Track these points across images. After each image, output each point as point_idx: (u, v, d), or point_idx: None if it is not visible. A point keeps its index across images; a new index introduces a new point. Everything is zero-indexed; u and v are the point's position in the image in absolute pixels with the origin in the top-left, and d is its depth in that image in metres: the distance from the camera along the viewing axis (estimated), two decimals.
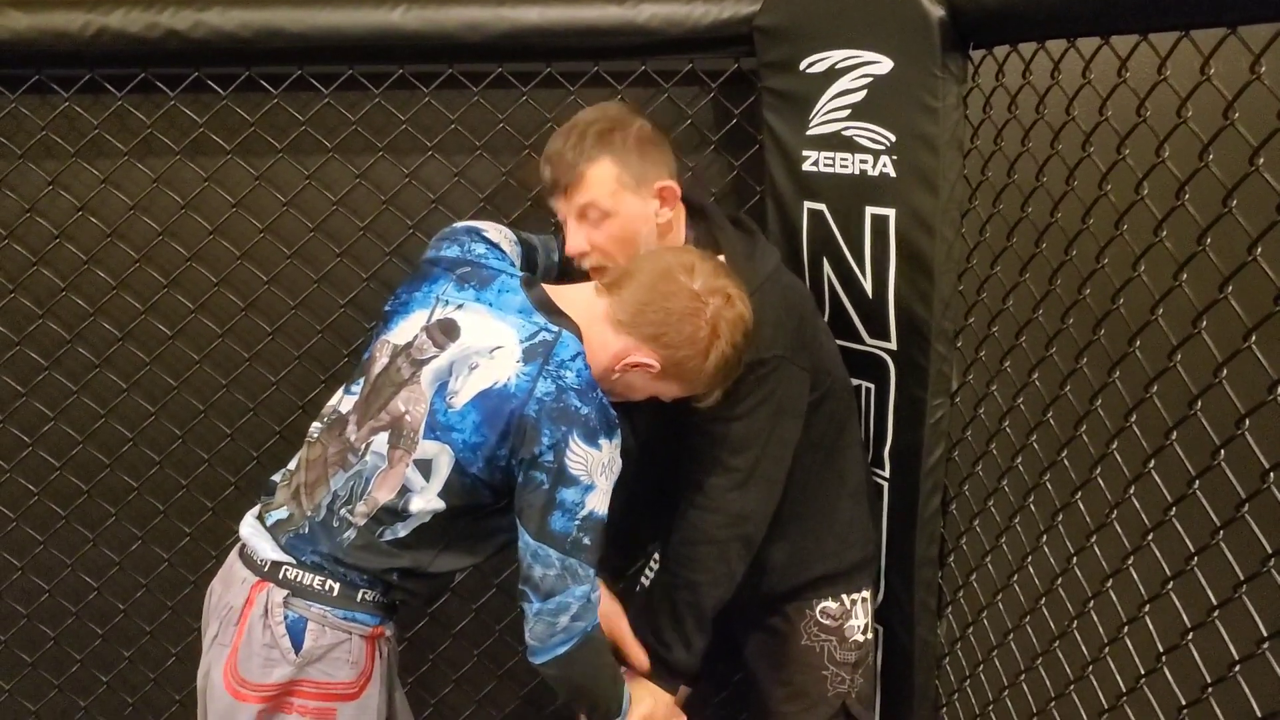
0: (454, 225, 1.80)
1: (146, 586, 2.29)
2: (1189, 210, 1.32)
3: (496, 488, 1.55)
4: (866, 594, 1.91)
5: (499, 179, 2.14)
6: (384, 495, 1.54)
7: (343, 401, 1.66)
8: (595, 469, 1.50)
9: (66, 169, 2.06)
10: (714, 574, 1.74)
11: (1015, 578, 1.87)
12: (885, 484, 1.93)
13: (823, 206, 1.91)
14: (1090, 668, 1.67)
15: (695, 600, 1.75)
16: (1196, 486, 1.39)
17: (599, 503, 1.53)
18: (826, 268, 1.94)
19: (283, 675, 1.53)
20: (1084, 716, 1.70)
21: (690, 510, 1.74)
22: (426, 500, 1.53)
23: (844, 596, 1.88)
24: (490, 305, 1.58)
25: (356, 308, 2.18)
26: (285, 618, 1.53)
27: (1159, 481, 1.48)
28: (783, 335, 1.68)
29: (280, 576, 1.56)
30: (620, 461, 1.55)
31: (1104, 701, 1.64)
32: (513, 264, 1.72)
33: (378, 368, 1.62)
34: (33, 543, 2.25)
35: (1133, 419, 1.52)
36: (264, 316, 2.17)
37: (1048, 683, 1.80)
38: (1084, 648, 1.69)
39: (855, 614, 1.88)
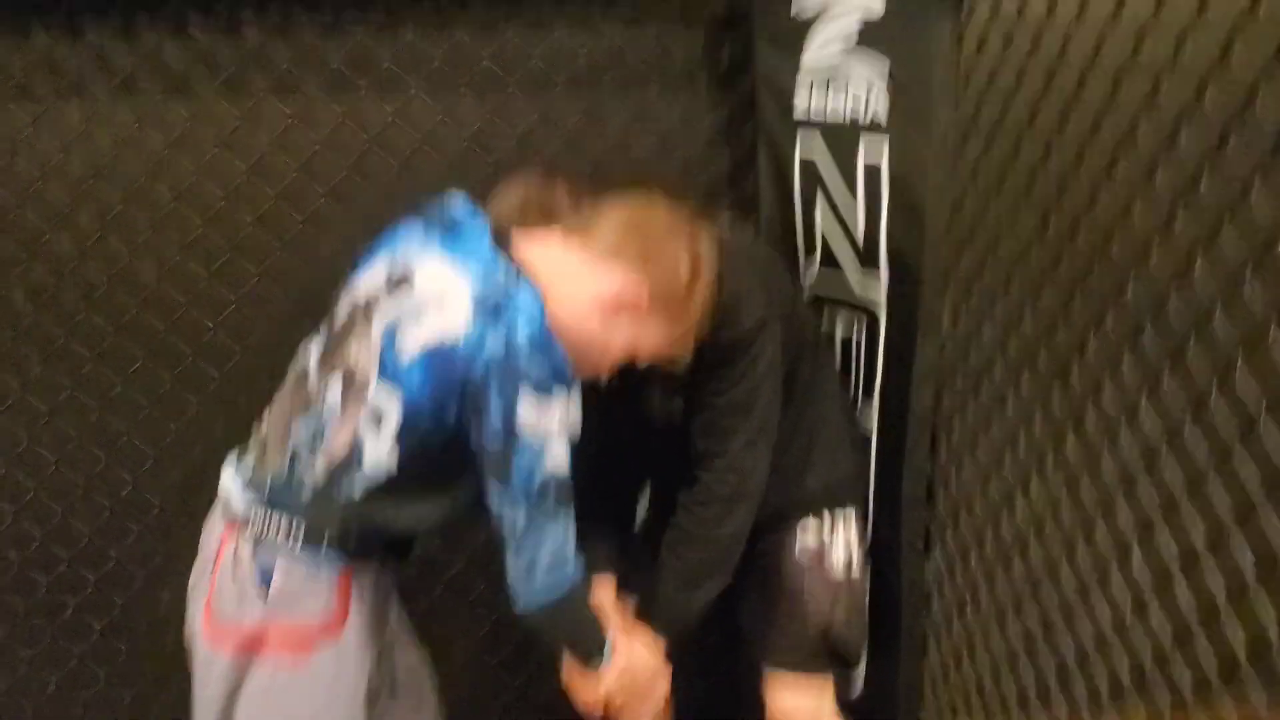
0: None
1: (137, 533, 2.28)
2: (1180, 151, 1.31)
3: (449, 441, 1.51)
4: (850, 520, 1.92)
5: (486, 117, 2.12)
6: (339, 446, 1.51)
7: (311, 350, 1.64)
8: (548, 428, 1.46)
9: (46, 111, 2.03)
10: (734, 527, 1.77)
11: (1004, 517, 1.89)
12: (874, 426, 1.94)
13: (815, 148, 1.90)
14: (1072, 615, 1.69)
15: (710, 557, 1.77)
16: (1188, 425, 1.40)
17: (556, 460, 1.49)
18: (818, 210, 1.93)
19: (254, 617, 1.53)
20: (1072, 653, 1.72)
21: (704, 473, 1.75)
22: (378, 454, 1.50)
23: (825, 517, 1.90)
24: (450, 253, 1.52)
25: (346, 248, 2.14)
26: (254, 560, 1.54)
27: (1151, 420, 1.48)
28: (760, 296, 1.68)
29: (248, 526, 1.56)
30: (579, 416, 1.51)
31: (1092, 640, 1.67)
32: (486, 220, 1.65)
33: (340, 316, 1.60)
34: (25, 490, 2.24)
35: (1122, 365, 1.53)
36: (251, 258, 2.15)
37: (1036, 621, 1.83)
38: (1073, 585, 1.71)
39: (837, 536, 1.90)
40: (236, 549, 1.55)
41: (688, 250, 1.53)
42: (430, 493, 1.59)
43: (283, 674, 1.55)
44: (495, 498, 1.52)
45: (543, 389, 1.44)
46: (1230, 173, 1.25)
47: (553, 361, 1.45)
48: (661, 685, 1.84)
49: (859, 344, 1.93)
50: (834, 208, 1.88)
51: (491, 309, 1.44)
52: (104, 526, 2.30)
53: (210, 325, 2.18)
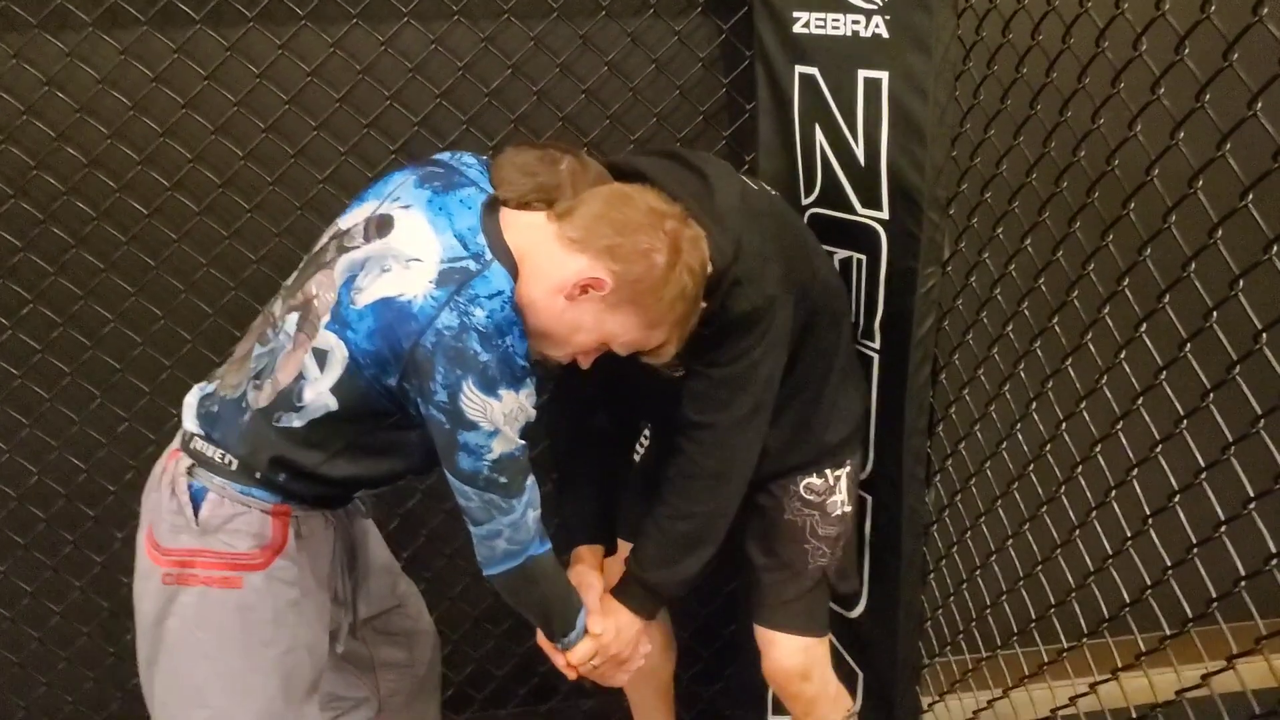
0: None
1: (135, 468, 2.28)
2: (1189, 65, 1.28)
3: (393, 400, 1.49)
4: (850, 468, 1.91)
5: (479, 45, 2.07)
6: (284, 378, 1.50)
7: (290, 278, 1.63)
8: (496, 416, 1.44)
9: (29, 42, 1.99)
10: (717, 503, 1.74)
11: (1004, 445, 1.88)
12: (875, 355, 1.92)
13: (814, 70, 1.86)
14: (1077, 532, 1.69)
15: (693, 530, 1.74)
16: (1188, 349, 1.38)
17: (506, 445, 1.48)
18: (818, 134, 1.89)
19: (187, 542, 1.53)
20: (1071, 581, 1.73)
21: (691, 445, 1.71)
22: (318, 393, 1.48)
23: (828, 472, 1.88)
24: (436, 213, 1.48)
25: (335, 183, 2.13)
26: (189, 487, 1.54)
27: (1150, 346, 1.47)
28: (772, 270, 1.62)
29: (190, 447, 1.56)
30: (531, 411, 1.49)
31: (1090, 565, 1.67)
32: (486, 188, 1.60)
33: (316, 247, 1.59)
34: (20, 426, 2.24)
35: (1125, 283, 1.51)
36: (241, 193, 2.13)
37: (1035, 548, 1.83)
38: (1071, 513, 1.71)
39: (838, 489, 1.89)
40: (175, 471, 1.55)
41: (666, 247, 1.48)
42: (369, 452, 1.57)
43: (210, 601, 1.54)
44: (449, 477, 1.52)
45: (488, 386, 1.42)
46: (1232, 91, 1.22)
47: (505, 354, 1.42)
48: (639, 653, 1.84)
49: (859, 272, 1.90)
50: (833, 125, 1.84)
51: (456, 281, 1.41)
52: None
53: (203, 261, 2.16)
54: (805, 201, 1.99)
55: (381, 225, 1.49)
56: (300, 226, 2.14)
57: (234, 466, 1.53)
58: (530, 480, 1.55)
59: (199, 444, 1.55)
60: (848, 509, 1.91)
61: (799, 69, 1.90)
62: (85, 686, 2.46)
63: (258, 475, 1.53)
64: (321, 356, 1.47)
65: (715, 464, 1.71)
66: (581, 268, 1.48)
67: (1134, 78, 1.42)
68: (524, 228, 1.51)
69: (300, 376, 1.48)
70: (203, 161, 2.09)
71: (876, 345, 1.91)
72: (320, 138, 2.10)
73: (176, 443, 1.61)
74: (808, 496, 1.88)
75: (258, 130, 2.08)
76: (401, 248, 1.45)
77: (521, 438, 1.50)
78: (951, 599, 2.12)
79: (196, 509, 1.52)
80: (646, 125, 2.17)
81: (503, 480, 1.50)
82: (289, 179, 2.12)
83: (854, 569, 2.02)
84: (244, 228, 2.15)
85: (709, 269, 1.55)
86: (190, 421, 1.59)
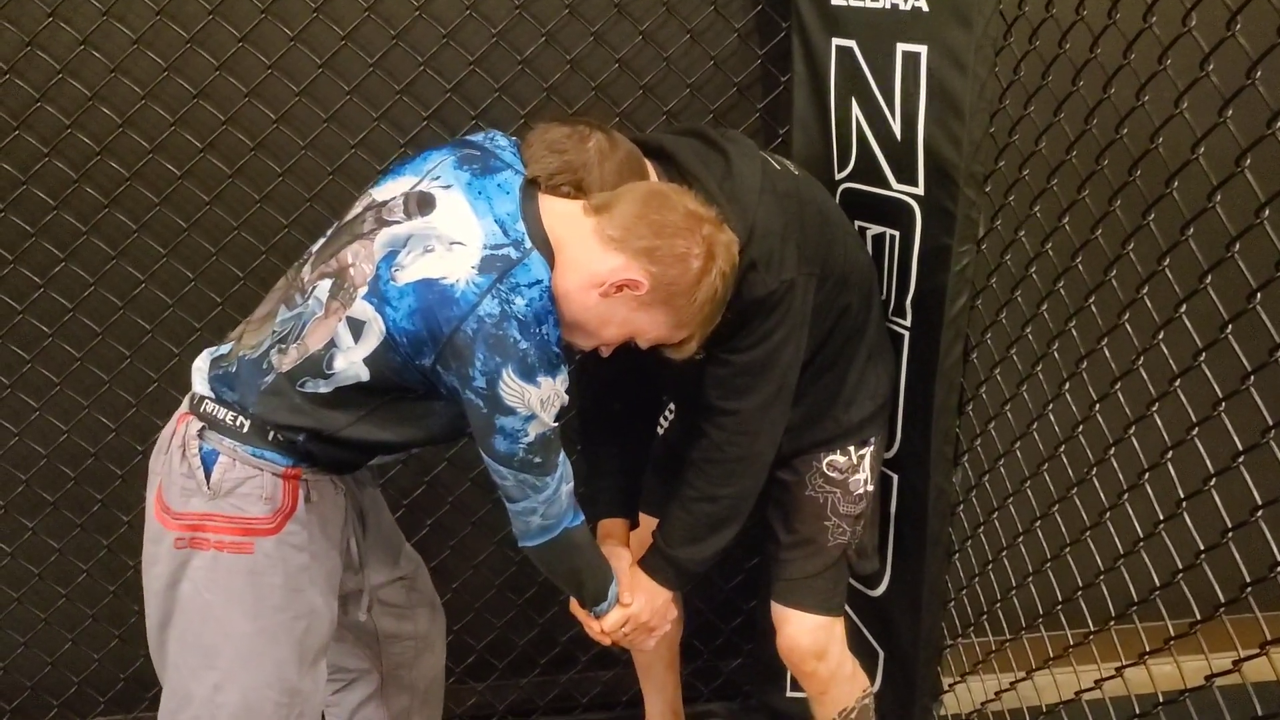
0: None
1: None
2: (1240, 41, 1.26)
3: (424, 378, 1.50)
4: (874, 447, 1.91)
5: (513, 12, 2.06)
6: (314, 344, 1.50)
7: (317, 243, 1.62)
8: (533, 403, 1.46)
9: (65, 2, 1.99)
10: (742, 486, 1.76)
11: (1035, 426, 1.86)
12: (906, 333, 1.91)
13: (852, 43, 1.84)
14: (1107, 514, 1.67)
15: (719, 511, 1.76)
16: (1229, 332, 1.36)
17: (541, 428, 1.49)
18: (854, 108, 1.87)
19: (198, 506, 1.54)
20: (1099, 564, 1.71)
21: (715, 430, 1.72)
22: (350, 361, 1.48)
23: (851, 450, 1.88)
24: (476, 197, 1.49)
25: (367, 149, 2.13)
26: (200, 449, 1.53)
27: (1189, 327, 1.45)
28: (791, 253, 1.63)
29: (200, 410, 1.56)
30: (565, 396, 1.50)
31: (1120, 548, 1.65)
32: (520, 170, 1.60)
33: (348, 215, 1.58)
34: (49, 384, 2.26)
35: (1165, 263, 1.49)
36: (273, 157, 2.13)
37: (1064, 530, 1.81)
38: (1102, 495, 1.69)
39: (862, 467, 1.88)
40: (186, 434, 1.55)
41: (703, 252, 1.49)
42: (395, 419, 1.57)
43: (222, 565, 1.54)
44: (484, 456, 1.53)
45: (526, 373, 1.43)
46: None
47: (543, 342, 1.44)
48: (667, 620, 1.88)
49: (892, 249, 1.88)
50: (870, 99, 1.82)
51: (498, 269, 1.42)
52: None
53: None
54: (839, 176, 1.97)
55: (423, 203, 1.50)
56: (330, 191, 2.14)
57: (245, 429, 1.53)
58: (562, 456, 1.57)
59: (209, 406, 1.55)
60: (870, 488, 1.90)
61: (836, 41, 1.88)
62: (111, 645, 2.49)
63: (271, 436, 1.53)
64: (357, 327, 1.47)
65: (739, 449, 1.73)
66: (617, 266, 1.49)
67: (1181, 54, 1.39)
68: (561, 217, 1.52)
69: (332, 344, 1.48)
70: (235, 124, 2.09)
71: (908, 323, 1.90)
72: (353, 102, 2.10)
73: (185, 406, 1.60)
74: (830, 474, 1.87)
75: (290, 93, 2.08)
76: (444, 229, 1.45)
77: (555, 420, 1.51)
78: (976, 580, 2.10)
79: (208, 472, 1.53)
80: (679, 96, 2.15)
81: (537, 460, 1.52)
82: (319, 145, 2.12)
83: (874, 549, 2.02)
84: (275, 191, 2.15)
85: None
86: (200, 384, 1.59)
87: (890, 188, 1.85)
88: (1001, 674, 2.09)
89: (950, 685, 2.28)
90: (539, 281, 1.44)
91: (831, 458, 1.87)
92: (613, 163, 1.61)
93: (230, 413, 1.53)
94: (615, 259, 1.49)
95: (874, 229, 1.91)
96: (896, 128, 1.79)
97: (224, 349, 1.62)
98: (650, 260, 1.49)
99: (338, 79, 2.08)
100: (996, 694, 2.12)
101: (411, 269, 1.44)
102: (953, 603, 2.19)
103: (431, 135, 2.11)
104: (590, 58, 2.12)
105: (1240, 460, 1.34)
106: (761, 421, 1.72)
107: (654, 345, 1.60)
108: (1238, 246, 1.31)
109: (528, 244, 1.46)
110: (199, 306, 2.22)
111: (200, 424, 1.55)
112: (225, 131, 2.09)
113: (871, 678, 2.13)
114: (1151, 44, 1.42)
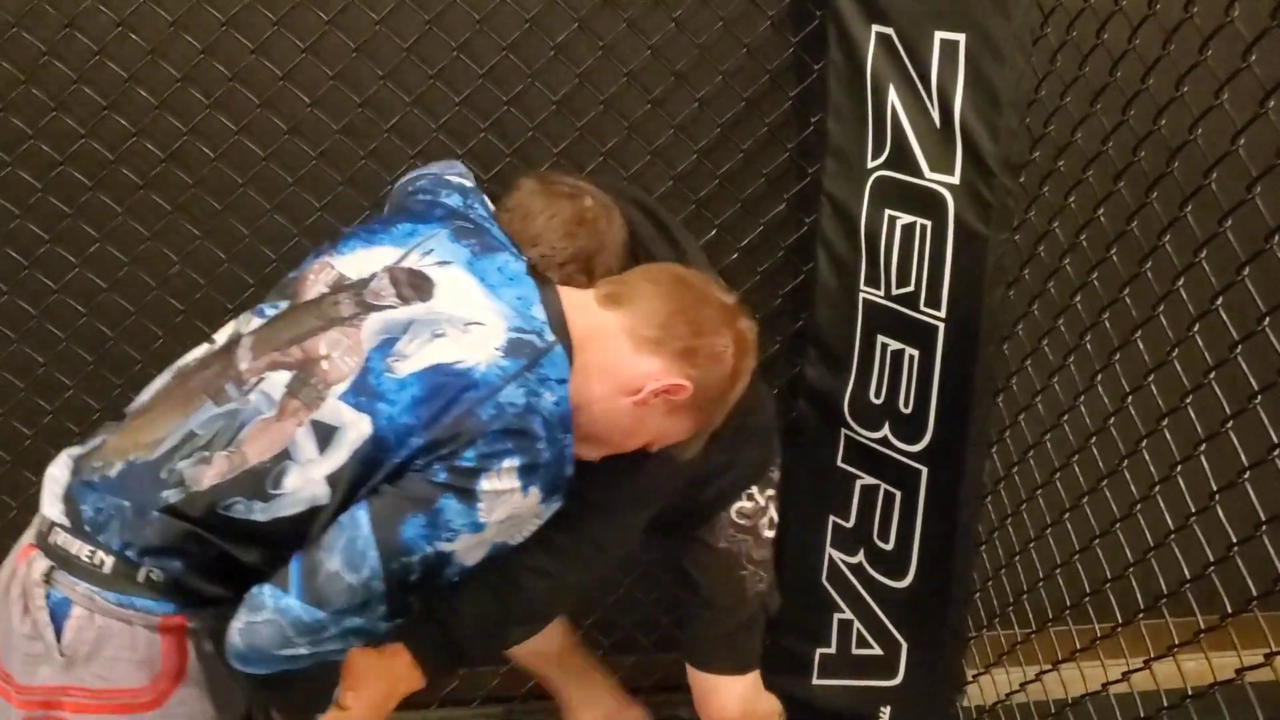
0: (441, 170, 1.59)
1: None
2: None
3: (378, 477, 1.20)
4: (775, 475, 1.86)
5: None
6: (255, 454, 1.17)
7: (248, 321, 1.31)
8: (500, 512, 1.19)
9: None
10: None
11: (1065, 418, 1.86)
12: (940, 324, 1.90)
13: (891, 30, 1.83)
14: (1138, 506, 1.67)
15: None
16: (1266, 324, 1.35)
17: (471, 552, 1.20)
18: (891, 95, 1.86)
19: (49, 677, 1.18)
20: (1128, 556, 1.70)
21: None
22: (307, 480, 1.16)
23: (755, 492, 1.83)
24: (483, 279, 1.28)
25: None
26: (47, 597, 1.17)
27: (1225, 319, 1.44)
28: None
29: (49, 542, 1.19)
30: (526, 534, 1.27)
31: (1150, 540, 1.64)
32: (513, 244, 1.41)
33: (308, 292, 1.30)
34: (84, 363, 2.28)
35: (1202, 255, 1.48)
36: (308, 142, 2.14)
37: (1093, 522, 1.81)
38: (1133, 488, 1.68)
39: (769, 509, 1.84)
40: (28, 578, 1.19)
41: (735, 349, 1.36)
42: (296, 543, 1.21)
43: None
44: (357, 527, 1.18)
45: (528, 474, 1.19)
46: None
47: (560, 456, 1.21)
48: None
49: (923, 238, 1.88)
50: (907, 93, 1.81)
51: (527, 355, 1.21)
52: None
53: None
54: (871, 164, 1.96)
55: (418, 284, 1.28)
56: (364, 175, 2.15)
57: (106, 568, 1.17)
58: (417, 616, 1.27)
59: (60, 537, 1.19)
60: (774, 530, 1.86)
61: (875, 28, 1.87)
62: None
63: (144, 575, 1.17)
64: (325, 434, 1.17)
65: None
66: (655, 370, 1.31)
67: (1222, 46, 1.38)
68: (580, 310, 1.33)
69: (285, 455, 1.17)
70: (269, 108, 2.10)
71: (941, 314, 1.88)
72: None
73: (30, 535, 1.23)
74: (740, 522, 1.82)
75: (334, 89, 2.09)
76: (454, 312, 1.24)
77: (476, 563, 1.23)
78: (1003, 571, 2.10)
79: (59, 631, 1.17)
80: (712, 83, 2.15)
81: (413, 580, 1.18)
82: (352, 129, 2.13)
83: (775, 585, 1.97)
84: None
85: None
86: (51, 504, 1.21)
87: (923, 176, 1.84)
88: (1026, 665, 2.09)
89: (974, 676, 2.28)
90: (565, 380, 1.23)
91: (739, 505, 1.82)
92: (615, 237, 1.50)
93: (88, 546, 1.17)
94: (653, 363, 1.31)
95: (904, 218, 1.90)
96: (935, 115, 1.78)
97: (94, 442, 1.26)
98: (690, 363, 1.32)
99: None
100: (1021, 686, 2.11)
101: (417, 357, 1.20)
102: (979, 594, 2.18)
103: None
104: (623, 44, 2.10)
105: (1275, 454, 1.33)
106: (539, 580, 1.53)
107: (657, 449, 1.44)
108: (1276, 239, 1.31)
109: (550, 335, 1.25)
110: (231, 287, 2.23)
111: (47, 563, 1.18)
112: (260, 114, 2.10)
113: (893, 670, 2.13)
114: (1192, 35, 1.41)
